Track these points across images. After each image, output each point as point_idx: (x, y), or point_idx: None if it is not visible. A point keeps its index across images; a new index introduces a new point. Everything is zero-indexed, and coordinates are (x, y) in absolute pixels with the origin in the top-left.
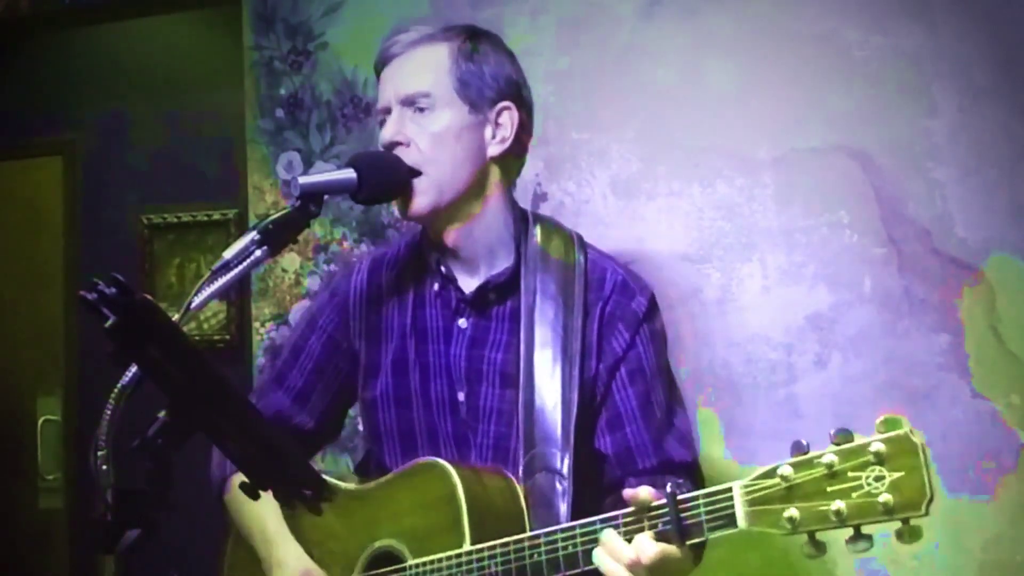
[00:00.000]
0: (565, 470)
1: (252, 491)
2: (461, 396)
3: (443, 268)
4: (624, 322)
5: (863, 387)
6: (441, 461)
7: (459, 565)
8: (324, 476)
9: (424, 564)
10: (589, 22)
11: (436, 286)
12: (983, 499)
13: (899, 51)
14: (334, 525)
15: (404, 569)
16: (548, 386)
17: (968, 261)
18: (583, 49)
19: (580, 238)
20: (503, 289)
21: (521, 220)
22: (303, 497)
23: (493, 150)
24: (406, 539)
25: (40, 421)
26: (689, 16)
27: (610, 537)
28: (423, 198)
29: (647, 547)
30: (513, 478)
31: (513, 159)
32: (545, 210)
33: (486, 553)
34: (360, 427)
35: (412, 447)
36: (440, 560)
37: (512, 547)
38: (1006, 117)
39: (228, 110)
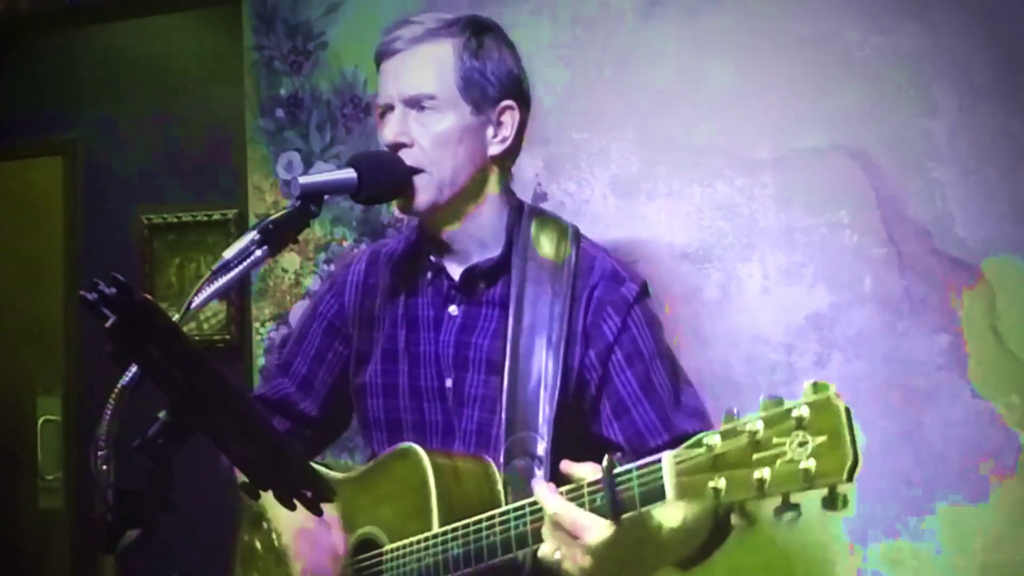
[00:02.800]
0: (544, 456)
1: (252, 491)
2: (448, 383)
3: (432, 257)
4: (613, 306)
5: (863, 387)
6: (415, 447)
7: (426, 548)
8: (318, 467)
9: (398, 549)
10: (589, 22)
11: (429, 275)
12: (983, 499)
13: (899, 51)
14: (319, 523)
15: (381, 555)
16: (532, 373)
17: (968, 261)
18: (583, 49)
19: (576, 230)
20: (491, 274)
21: (516, 211)
22: (303, 497)
23: (494, 149)
24: (384, 525)
25: (40, 421)
26: (689, 16)
27: (543, 491)
28: (423, 195)
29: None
30: (492, 464)
31: (513, 155)
32: None
33: (449, 535)
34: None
35: (399, 436)
36: (412, 544)
37: (471, 528)
38: (1006, 117)
39: (228, 110)
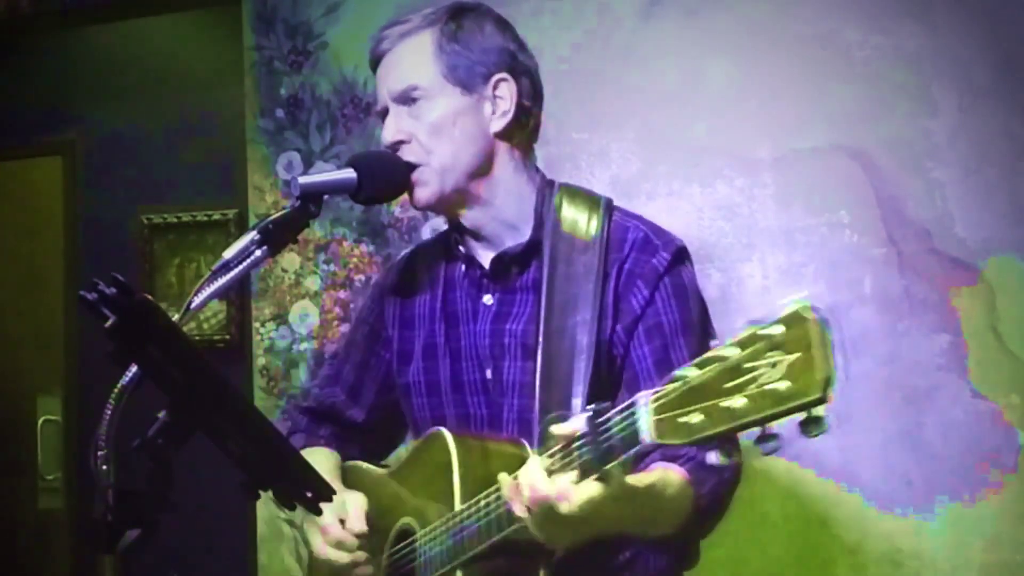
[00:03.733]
0: None
1: (252, 491)
2: (488, 373)
3: (462, 248)
4: (643, 279)
5: (863, 387)
6: (442, 430)
7: (448, 529)
8: (354, 463)
9: (427, 533)
10: (589, 22)
11: (463, 267)
12: (983, 499)
13: (899, 51)
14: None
15: (413, 541)
16: (564, 353)
17: (968, 261)
18: (583, 49)
19: (608, 202)
20: (522, 259)
21: (544, 190)
22: (303, 498)
23: (496, 125)
24: (417, 513)
25: (40, 421)
26: (689, 16)
27: (530, 466)
28: (426, 188)
29: (561, 486)
30: (527, 447)
31: (521, 128)
32: None
33: (468, 511)
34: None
35: None
36: (437, 527)
37: (489, 499)
38: (1006, 117)
39: (228, 110)
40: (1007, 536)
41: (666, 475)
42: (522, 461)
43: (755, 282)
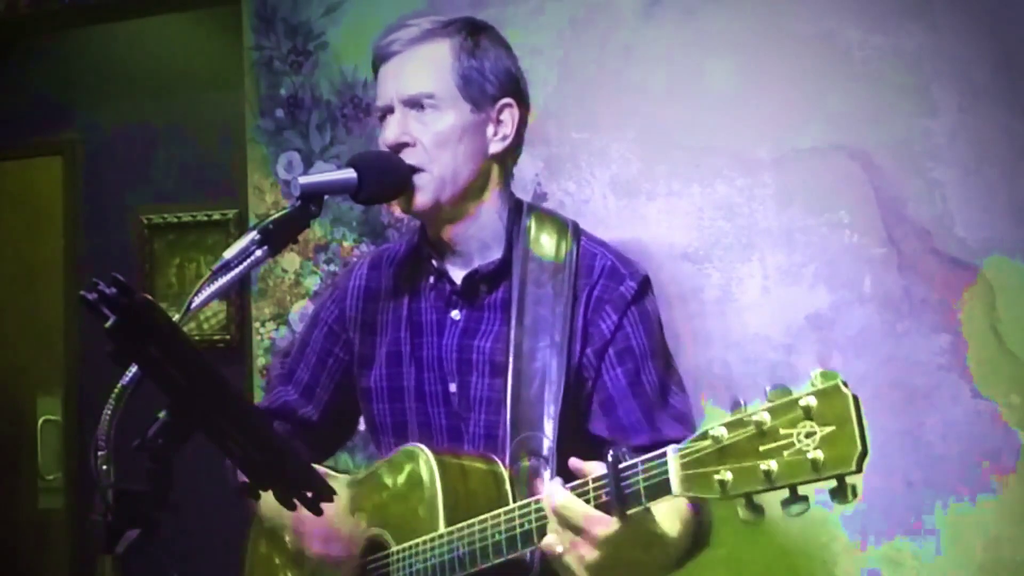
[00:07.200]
0: (549, 455)
1: (252, 491)
2: (453, 387)
3: (434, 262)
4: (612, 305)
5: (863, 387)
6: (421, 447)
7: (432, 549)
8: (320, 470)
9: (405, 550)
10: (589, 22)
11: (431, 279)
12: (983, 499)
13: (899, 51)
14: (332, 518)
15: (388, 556)
16: (535, 373)
17: (968, 261)
18: (583, 49)
19: (575, 226)
20: (492, 278)
21: (515, 210)
22: (303, 498)
23: (494, 147)
24: (391, 526)
25: (40, 421)
26: (689, 16)
27: (553, 486)
28: (425, 195)
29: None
30: (500, 464)
31: (511, 152)
32: None
33: (455, 535)
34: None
35: (404, 439)
36: (417, 545)
37: (477, 527)
38: (1006, 117)
39: (228, 110)
40: (1007, 536)
41: (678, 509)
42: (496, 477)
43: (755, 282)
